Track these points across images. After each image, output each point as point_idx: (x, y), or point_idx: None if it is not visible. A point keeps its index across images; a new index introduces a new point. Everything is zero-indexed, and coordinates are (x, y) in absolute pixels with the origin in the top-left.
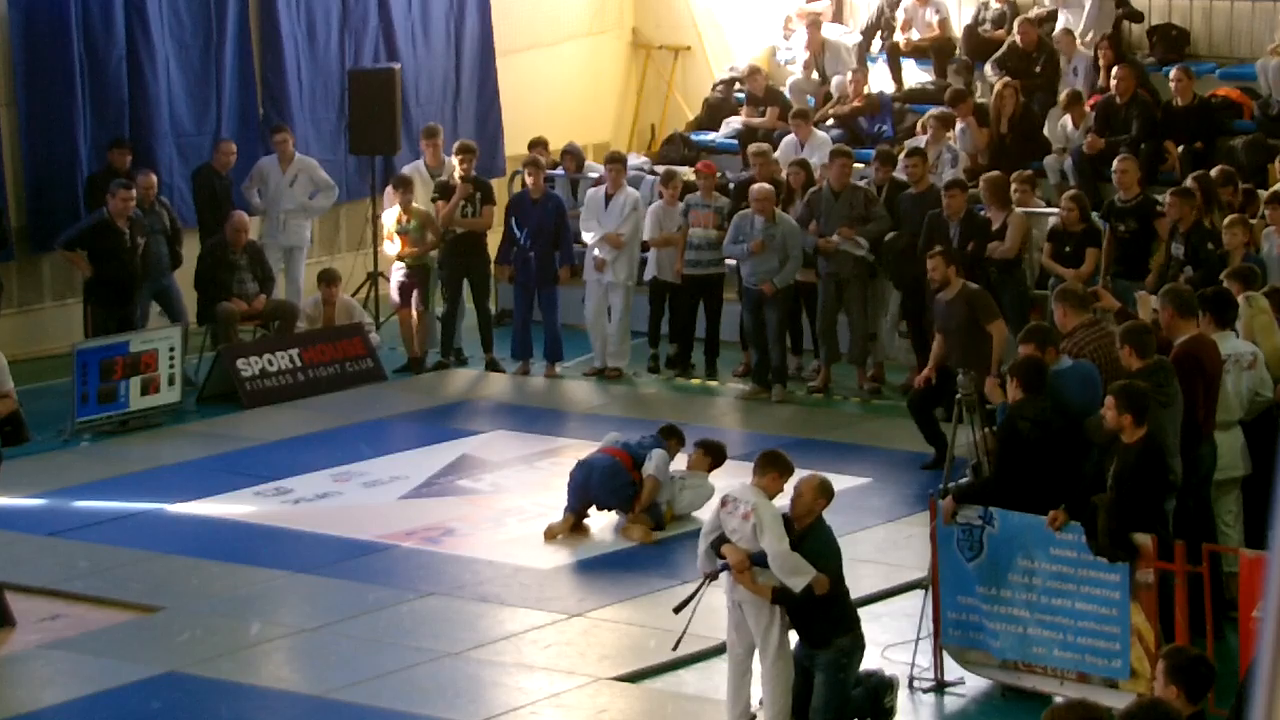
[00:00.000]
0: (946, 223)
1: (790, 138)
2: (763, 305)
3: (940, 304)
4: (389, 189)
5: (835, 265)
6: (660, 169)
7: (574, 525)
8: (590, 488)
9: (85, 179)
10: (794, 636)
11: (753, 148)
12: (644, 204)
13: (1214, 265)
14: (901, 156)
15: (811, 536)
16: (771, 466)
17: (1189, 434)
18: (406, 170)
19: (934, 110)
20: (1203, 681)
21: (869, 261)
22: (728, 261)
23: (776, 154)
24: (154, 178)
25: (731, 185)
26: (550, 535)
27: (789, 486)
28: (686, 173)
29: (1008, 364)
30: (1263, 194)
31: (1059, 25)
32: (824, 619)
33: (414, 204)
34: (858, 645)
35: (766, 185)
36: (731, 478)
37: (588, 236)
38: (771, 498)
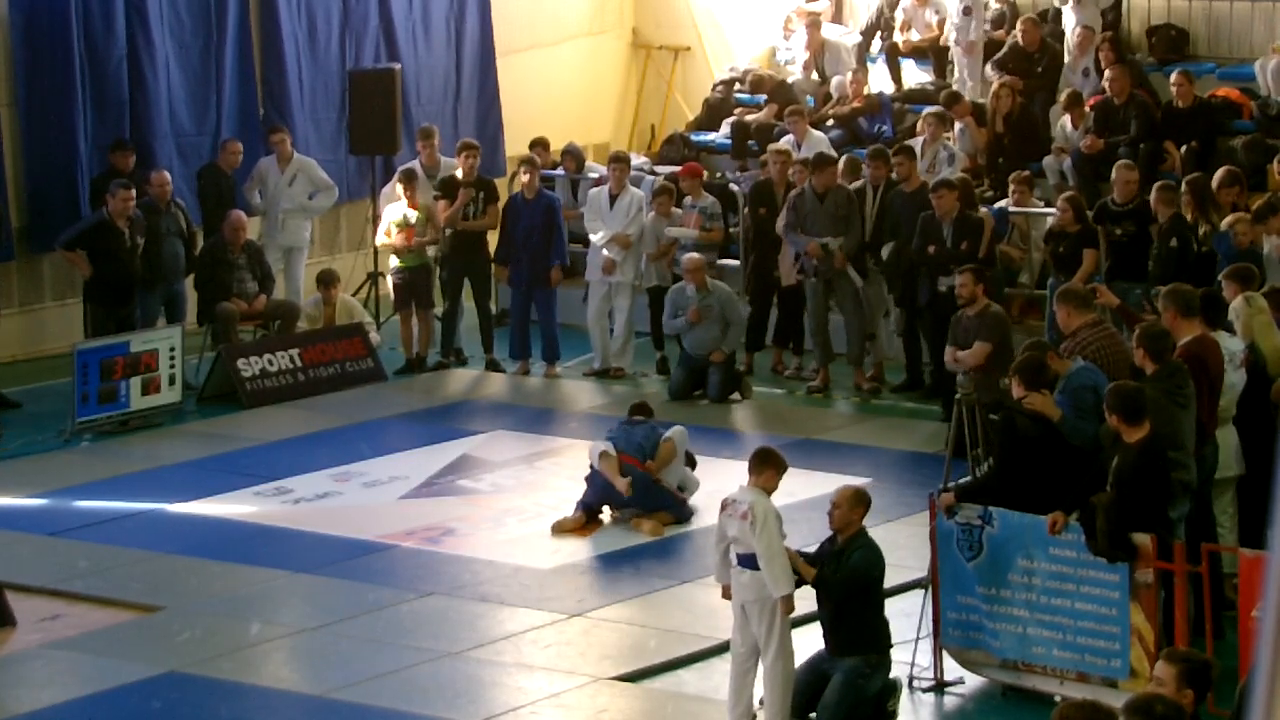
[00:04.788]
0: (939, 223)
1: (788, 136)
2: (706, 367)
3: (964, 319)
4: (388, 185)
5: (822, 265)
6: (661, 169)
7: (584, 524)
8: (619, 494)
9: (89, 182)
10: (812, 643)
11: (771, 147)
12: (647, 204)
13: (1170, 260)
14: (892, 155)
15: (856, 547)
16: (766, 464)
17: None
18: (407, 168)
19: (930, 109)
20: (1208, 684)
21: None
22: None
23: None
24: (167, 175)
25: (735, 187)
26: (559, 530)
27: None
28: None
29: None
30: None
31: (1068, 25)
32: (858, 627)
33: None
34: (884, 665)
35: (696, 255)
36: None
37: (595, 238)
38: (770, 495)
